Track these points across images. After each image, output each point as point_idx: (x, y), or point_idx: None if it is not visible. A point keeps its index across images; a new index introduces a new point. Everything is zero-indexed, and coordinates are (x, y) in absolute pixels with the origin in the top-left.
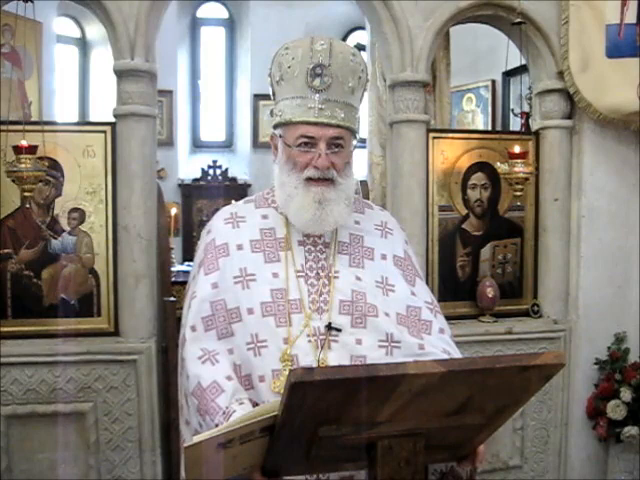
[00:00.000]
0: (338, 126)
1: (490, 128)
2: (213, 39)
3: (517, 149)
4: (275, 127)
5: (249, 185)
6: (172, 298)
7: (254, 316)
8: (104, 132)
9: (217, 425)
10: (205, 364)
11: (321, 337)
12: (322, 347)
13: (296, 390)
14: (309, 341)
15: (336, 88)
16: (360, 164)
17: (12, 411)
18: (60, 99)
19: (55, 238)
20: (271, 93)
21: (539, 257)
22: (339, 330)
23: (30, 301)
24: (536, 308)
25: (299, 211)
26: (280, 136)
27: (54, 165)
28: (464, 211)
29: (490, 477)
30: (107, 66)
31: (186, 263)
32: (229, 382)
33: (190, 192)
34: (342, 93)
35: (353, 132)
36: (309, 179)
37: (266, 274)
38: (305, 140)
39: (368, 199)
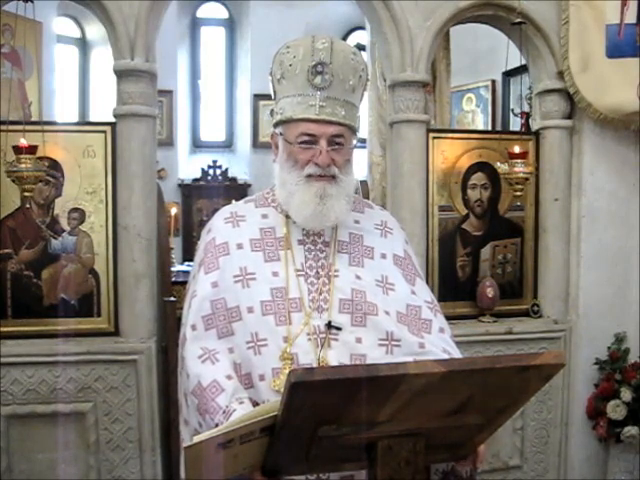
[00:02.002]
0: (339, 124)
1: (490, 128)
2: (213, 39)
3: (517, 149)
4: (276, 125)
5: (249, 185)
6: (172, 298)
7: (254, 315)
8: (104, 132)
9: (217, 424)
10: (205, 363)
11: (321, 336)
12: (322, 346)
13: (296, 390)
14: (309, 340)
15: (337, 86)
16: (360, 164)
17: (12, 411)
18: (60, 99)
19: (55, 238)
20: (272, 92)
21: (539, 257)
22: (339, 329)
23: (30, 301)
24: (536, 308)
25: (300, 206)
26: (281, 134)
27: (54, 165)
28: (464, 211)
29: (490, 477)
30: (107, 66)
31: (186, 263)
32: (229, 381)
33: (190, 192)
34: (343, 91)
35: (353, 130)
36: (310, 176)
37: (266, 273)
38: (306, 137)
39: (368, 199)
